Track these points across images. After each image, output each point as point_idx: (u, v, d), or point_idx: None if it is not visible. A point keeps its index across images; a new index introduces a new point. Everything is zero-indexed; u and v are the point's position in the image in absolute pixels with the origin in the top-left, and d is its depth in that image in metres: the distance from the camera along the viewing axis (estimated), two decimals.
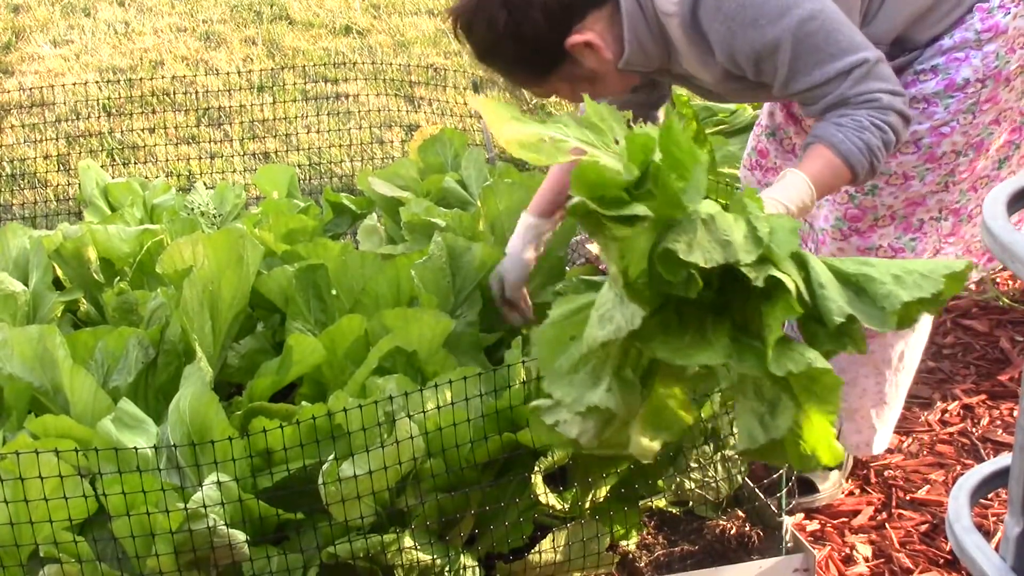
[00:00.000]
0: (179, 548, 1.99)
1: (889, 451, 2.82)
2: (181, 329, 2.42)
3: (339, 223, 3.47)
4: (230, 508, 2.02)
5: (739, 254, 1.55)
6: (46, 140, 4.59)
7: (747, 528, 2.43)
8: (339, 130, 4.74)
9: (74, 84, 4.98)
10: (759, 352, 1.60)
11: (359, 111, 4.73)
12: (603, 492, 2.29)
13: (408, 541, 2.10)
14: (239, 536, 2.02)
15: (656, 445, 1.77)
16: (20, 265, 2.89)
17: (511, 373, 2.20)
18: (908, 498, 2.73)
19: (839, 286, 1.64)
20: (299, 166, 4.36)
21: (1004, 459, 1.32)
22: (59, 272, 2.91)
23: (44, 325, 2.43)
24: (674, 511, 2.49)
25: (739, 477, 2.40)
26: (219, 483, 2.02)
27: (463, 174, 3.26)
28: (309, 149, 4.57)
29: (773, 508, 2.41)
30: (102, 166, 4.13)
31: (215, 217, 3.40)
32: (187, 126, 4.82)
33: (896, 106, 2.12)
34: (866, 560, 2.56)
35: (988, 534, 2.54)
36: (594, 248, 3.39)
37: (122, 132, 4.84)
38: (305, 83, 5.15)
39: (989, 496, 2.33)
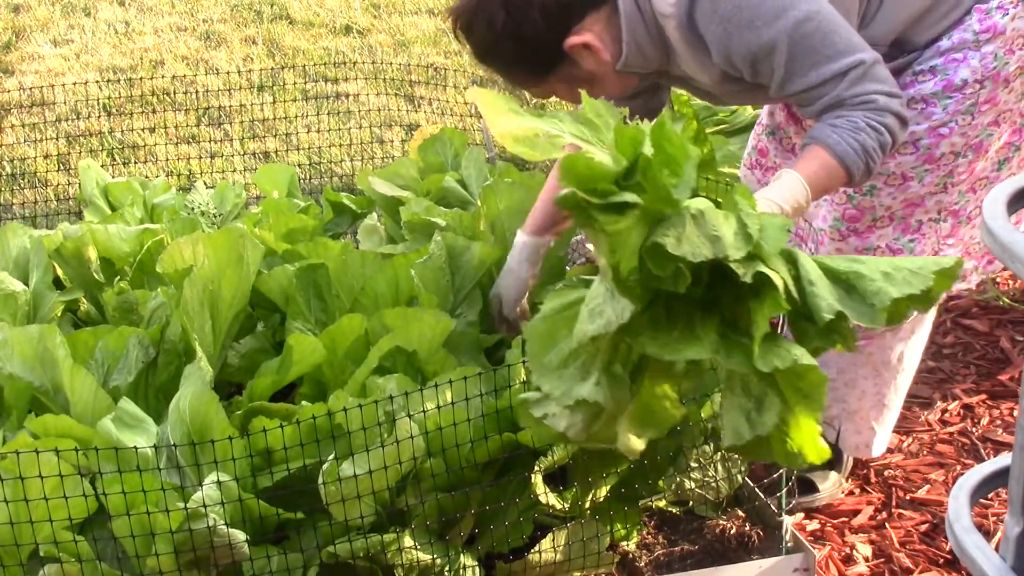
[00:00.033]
0: (179, 548, 1.99)
1: (889, 451, 2.82)
2: (181, 328, 2.42)
3: (339, 223, 3.47)
4: (230, 508, 2.02)
5: (728, 250, 1.56)
6: (46, 140, 4.59)
7: (747, 528, 2.43)
8: (339, 129, 4.74)
9: (74, 84, 4.98)
10: (746, 348, 1.61)
11: (359, 110, 4.73)
12: (603, 492, 2.29)
13: (408, 541, 2.10)
14: (239, 536, 2.02)
15: (643, 442, 1.77)
16: (20, 265, 2.89)
17: (511, 373, 2.20)
18: (908, 498, 2.73)
19: (829, 284, 1.64)
20: (299, 165, 4.36)
21: (1004, 459, 1.32)
22: (59, 272, 2.91)
23: (44, 325, 2.43)
24: (674, 511, 2.49)
25: (739, 477, 2.40)
26: (219, 482, 2.02)
27: (463, 173, 3.26)
28: (309, 148, 4.57)
29: (773, 508, 2.41)
30: (102, 166, 4.13)
31: (215, 217, 3.40)
32: (187, 126, 4.82)
33: (893, 108, 2.12)
34: (866, 560, 2.56)
35: (988, 534, 2.54)
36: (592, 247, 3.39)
37: (122, 132, 4.84)
38: (305, 82, 5.15)
39: (989, 496, 2.33)
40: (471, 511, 2.22)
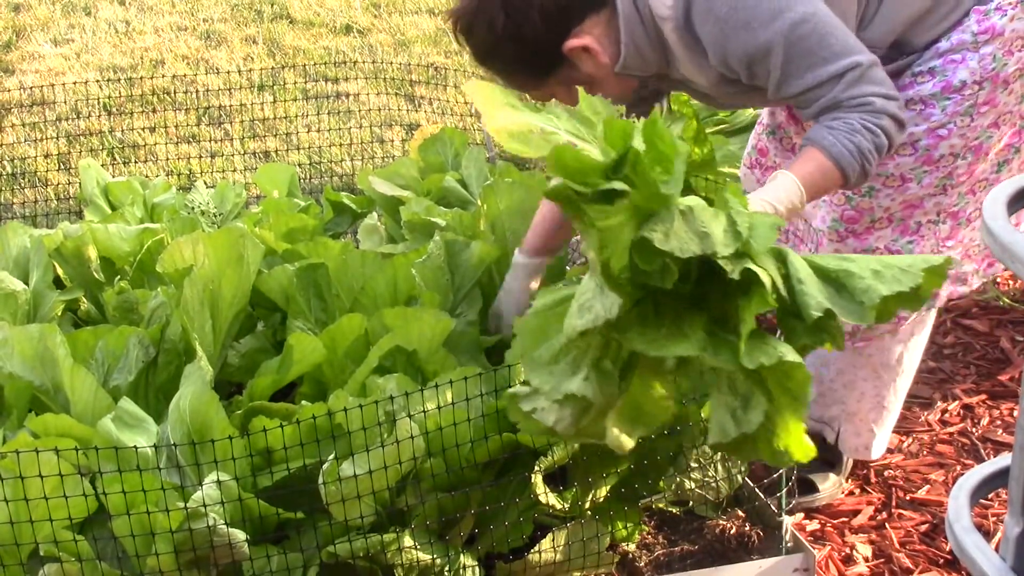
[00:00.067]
0: (179, 547, 1.99)
1: (889, 451, 2.82)
2: (181, 328, 2.42)
3: (339, 222, 3.47)
4: (230, 507, 2.02)
5: (716, 246, 1.56)
6: (47, 139, 4.58)
7: (747, 528, 2.43)
8: (339, 129, 4.74)
9: (75, 83, 4.98)
10: (733, 346, 1.61)
11: (359, 110, 4.72)
12: (603, 492, 2.29)
13: (408, 541, 2.10)
14: (239, 535, 2.02)
15: (632, 439, 1.78)
16: (20, 264, 2.89)
17: (511, 373, 2.20)
18: (908, 498, 2.73)
19: (819, 282, 1.64)
20: (299, 165, 4.36)
21: (1004, 459, 1.32)
22: (59, 271, 2.91)
23: (44, 324, 2.43)
24: (674, 511, 2.49)
25: (739, 477, 2.40)
26: (219, 482, 2.02)
27: (463, 173, 3.26)
28: (310, 148, 4.57)
29: (773, 508, 2.41)
30: (103, 165, 4.12)
31: (215, 216, 3.40)
32: (187, 125, 4.82)
33: (889, 110, 2.12)
34: (866, 560, 2.56)
35: (988, 534, 2.54)
36: None
37: (123, 131, 4.84)
38: (306, 82, 5.15)
39: (989, 496, 2.32)
40: (471, 511, 2.22)
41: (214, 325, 2.47)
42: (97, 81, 5.11)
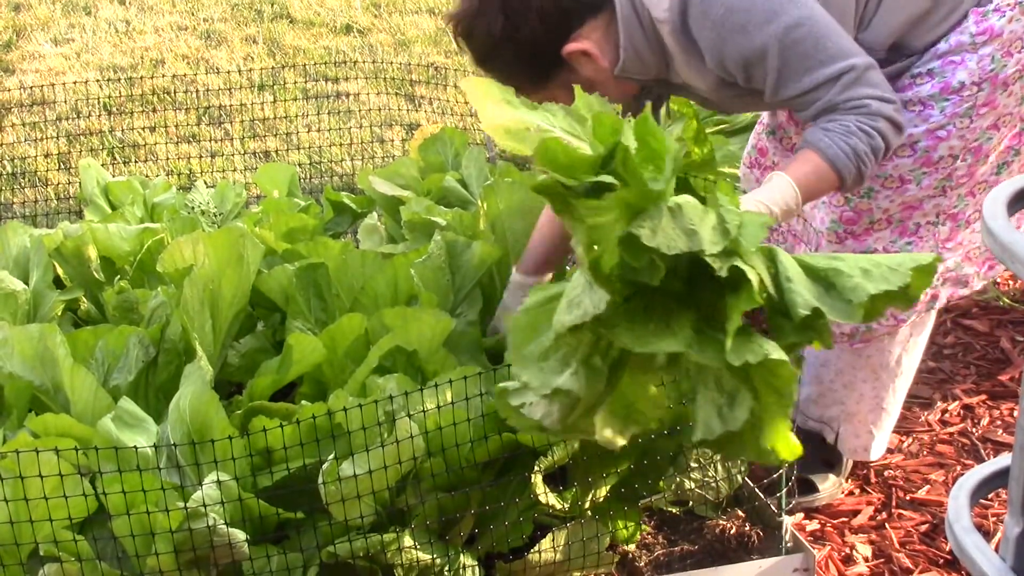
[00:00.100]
0: (179, 547, 1.99)
1: (889, 451, 2.82)
2: (181, 328, 2.42)
3: (340, 222, 3.47)
4: (230, 507, 2.02)
5: (704, 244, 1.56)
6: (47, 139, 4.59)
7: (747, 528, 2.43)
8: (340, 129, 4.74)
9: (75, 83, 4.98)
10: (720, 343, 1.61)
11: (360, 110, 4.72)
12: (603, 492, 2.29)
13: (408, 540, 2.10)
14: (239, 535, 2.02)
15: (623, 437, 1.78)
16: (20, 264, 2.89)
17: (511, 373, 2.19)
18: (908, 498, 2.73)
19: (808, 281, 1.64)
20: (300, 165, 4.36)
21: (1004, 459, 1.32)
22: (59, 271, 2.91)
23: (44, 324, 2.43)
24: (674, 511, 2.49)
25: (739, 477, 2.40)
26: (219, 482, 2.02)
27: (464, 173, 3.26)
28: (310, 148, 4.57)
29: (773, 508, 2.41)
30: (103, 165, 4.12)
31: (216, 216, 3.40)
32: (188, 125, 4.82)
33: (885, 112, 2.12)
34: (866, 560, 2.56)
35: (988, 534, 2.54)
36: None
37: (123, 131, 4.84)
38: (306, 82, 5.15)
39: (989, 496, 2.32)
40: (471, 511, 2.22)
41: (214, 325, 2.47)
42: (97, 81, 5.11)
